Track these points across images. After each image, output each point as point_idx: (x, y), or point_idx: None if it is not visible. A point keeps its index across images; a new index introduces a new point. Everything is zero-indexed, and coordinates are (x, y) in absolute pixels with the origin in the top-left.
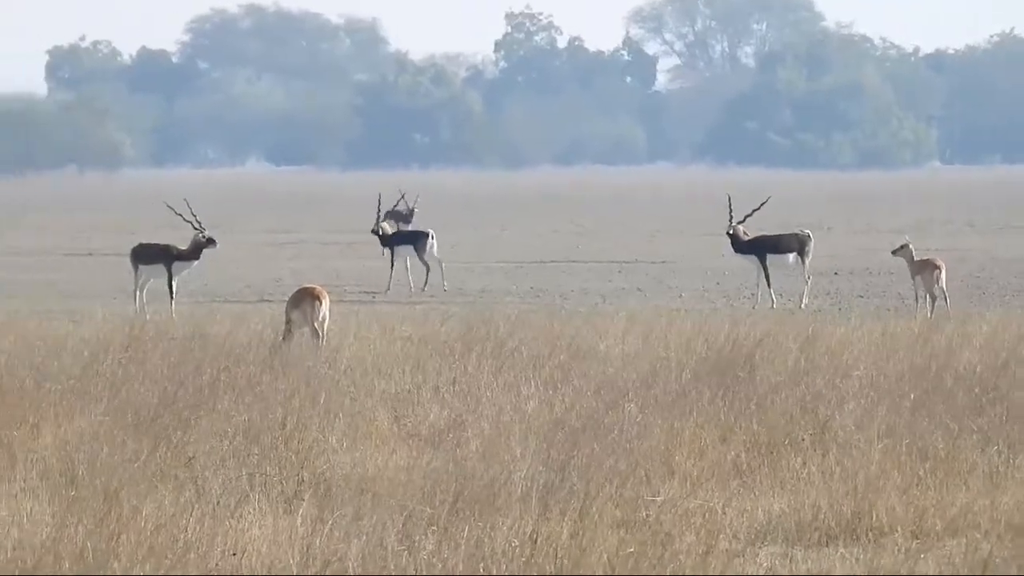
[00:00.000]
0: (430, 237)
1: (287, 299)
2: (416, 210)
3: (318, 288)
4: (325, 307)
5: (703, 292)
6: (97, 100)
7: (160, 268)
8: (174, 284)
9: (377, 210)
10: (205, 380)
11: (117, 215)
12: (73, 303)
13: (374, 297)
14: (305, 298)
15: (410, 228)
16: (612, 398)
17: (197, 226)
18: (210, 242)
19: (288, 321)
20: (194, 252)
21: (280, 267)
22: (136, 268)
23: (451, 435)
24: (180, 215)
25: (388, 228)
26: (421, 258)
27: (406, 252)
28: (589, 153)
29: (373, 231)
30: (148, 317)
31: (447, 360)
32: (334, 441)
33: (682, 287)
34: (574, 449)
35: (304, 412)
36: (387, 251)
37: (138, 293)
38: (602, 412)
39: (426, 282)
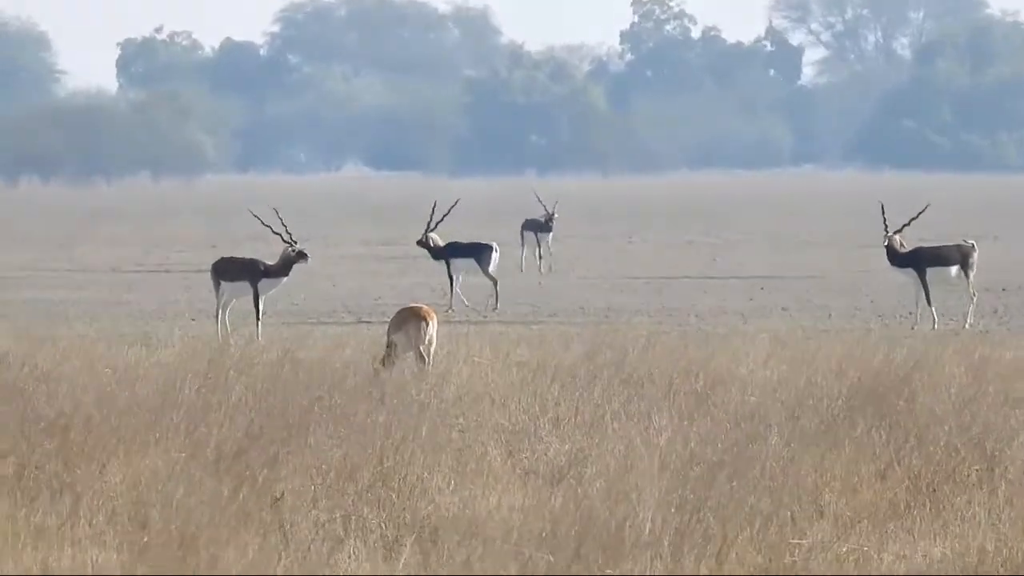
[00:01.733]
0: (494, 250)
1: (389, 320)
2: (556, 216)
3: (424, 308)
4: (432, 329)
5: (855, 311)
6: (176, 98)
7: (245, 285)
8: (261, 303)
9: (429, 218)
10: (295, 411)
11: (197, 226)
12: (147, 325)
13: (485, 317)
14: (410, 319)
15: (548, 235)
16: (754, 430)
17: (287, 238)
18: (301, 256)
19: (389, 345)
20: (283, 268)
21: (381, 284)
22: (218, 285)
23: (573, 472)
24: (268, 226)
25: (438, 239)
26: (486, 273)
27: (464, 267)
28: (727, 156)
29: (420, 242)
30: (232, 341)
31: (569, 388)
32: (440, 480)
33: (832, 305)
34: (710, 487)
35: (406, 447)
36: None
37: (220, 313)
38: (742, 445)
39: (497, 300)
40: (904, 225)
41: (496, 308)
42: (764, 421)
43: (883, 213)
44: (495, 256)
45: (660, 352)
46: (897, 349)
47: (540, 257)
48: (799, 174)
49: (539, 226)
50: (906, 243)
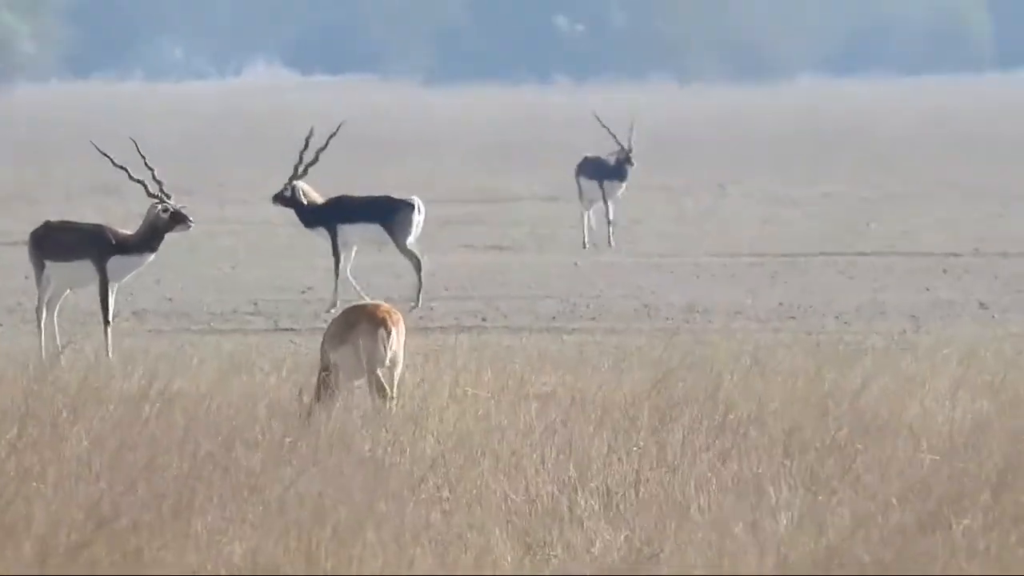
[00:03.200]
0: (415, 210)
1: (326, 327)
2: (634, 154)
3: (383, 307)
4: (397, 339)
5: None
6: None
7: (86, 267)
8: (111, 297)
9: (299, 155)
10: (169, 479)
11: (4, 169)
12: None
13: (483, 320)
14: (360, 325)
15: (620, 185)
16: (932, 511)
17: (153, 190)
18: (177, 220)
19: (326, 367)
20: (148, 238)
21: (311, 267)
22: (40, 267)
23: None
24: (122, 167)
25: (312, 193)
26: (400, 247)
27: (364, 235)
28: (883, 56)
29: (277, 197)
30: (63, 359)
31: (625, 438)
32: None
33: None
34: None
35: (352, 538)
36: (324, 234)
37: (44, 313)
38: (912, 537)
39: (419, 293)
40: None
41: (417, 305)
42: (949, 495)
43: None
44: (416, 219)
45: (775, 378)
46: None
47: (610, 221)
48: (1005, 84)
49: (607, 170)
50: None
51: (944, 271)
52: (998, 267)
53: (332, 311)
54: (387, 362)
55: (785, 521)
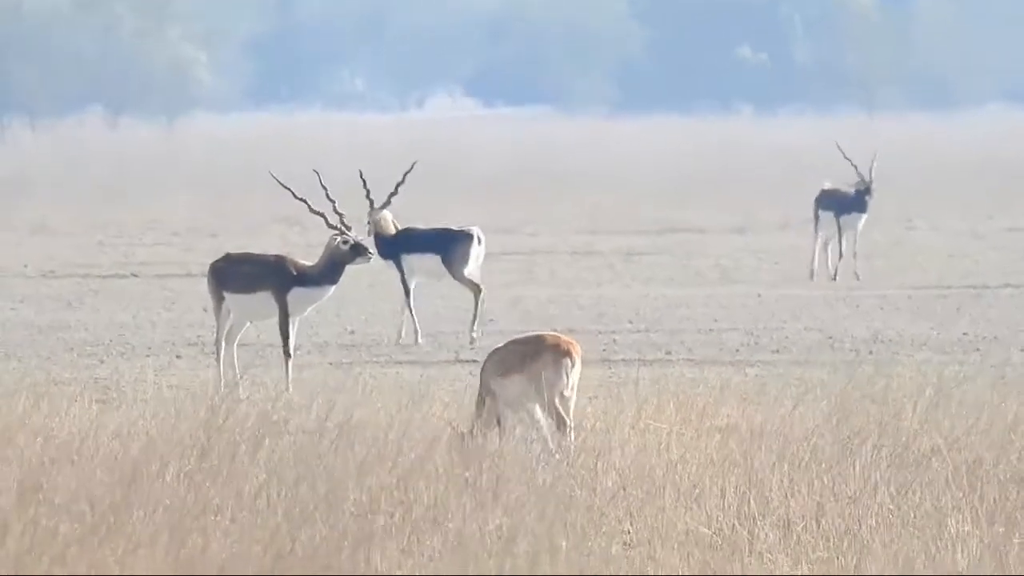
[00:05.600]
0: (473, 240)
1: (490, 358)
2: (874, 186)
3: (562, 338)
4: (573, 372)
5: None
6: None
7: (267, 299)
8: (293, 330)
9: (366, 193)
10: (348, 512)
11: (181, 198)
12: (102, 366)
13: (667, 353)
14: (541, 355)
15: (861, 217)
16: None
17: (335, 221)
18: (358, 252)
19: (487, 397)
20: (329, 271)
21: (503, 296)
22: (219, 299)
23: None
24: (302, 200)
25: (389, 220)
26: (455, 275)
27: (424, 265)
28: None
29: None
30: (240, 388)
31: (806, 469)
32: None
33: None
34: None
35: (534, 570)
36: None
37: (223, 345)
38: None
39: (474, 322)
40: None
41: (473, 338)
42: None
43: None
44: (475, 250)
45: (958, 410)
46: None
47: (842, 253)
48: None
49: (846, 203)
50: None
51: None
52: None
53: (472, 340)
54: (563, 392)
55: (965, 554)
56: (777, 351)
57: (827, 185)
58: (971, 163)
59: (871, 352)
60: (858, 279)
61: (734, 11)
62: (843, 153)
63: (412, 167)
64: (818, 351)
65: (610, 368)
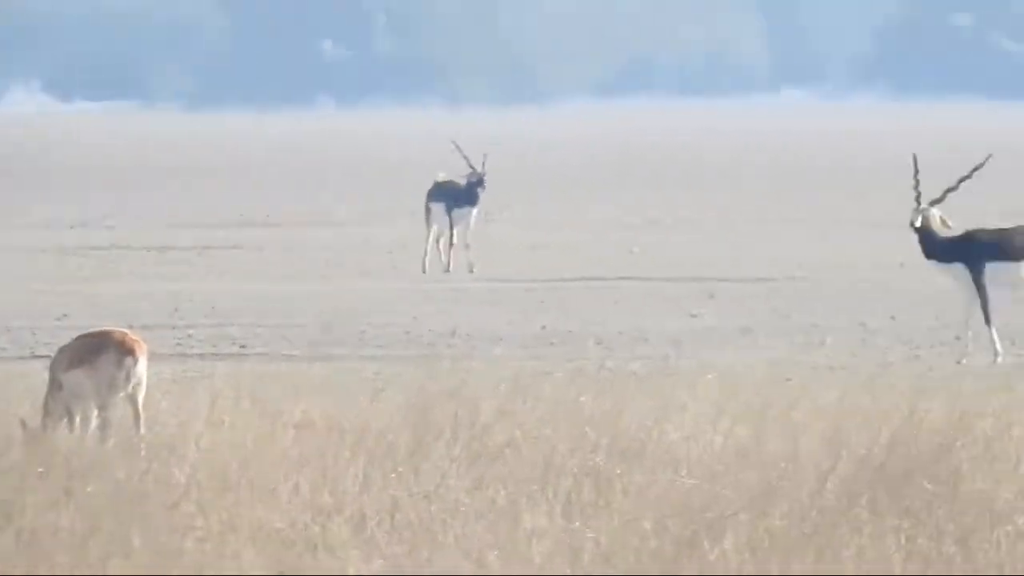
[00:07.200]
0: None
1: (57, 352)
2: (485, 177)
3: (125, 334)
4: (137, 367)
5: (865, 334)
6: None
7: None
8: None
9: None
10: None
11: None
12: None
13: (242, 347)
14: (96, 349)
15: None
16: (692, 533)
17: None
18: None
19: (55, 391)
20: None
21: (69, 293)
22: None
23: None
24: None
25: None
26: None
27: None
28: (660, 77)
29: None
30: None
31: (382, 465)
32: None
33: (825, 325)
34: None
35: (105, 568)
36: None
37: None
38: (670, 560)
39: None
40: (949, 190)
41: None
42: (709, 519)
43: (915, 169)
44: None
45: (536, 404)
46: (931, 398)
47: (452, 243)
48: (779, 104)
49: (458, 195)
50: (952, 222)
51: (710, 296)
52: (761, 292)
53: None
54: (130, 387)
55: (542, 548)
56: (354, 345)
57: (440, 177)
58: (553, 156)
59: (449, 346)
60: (471, 272)
61: (315, 3)
62: (456, 146)
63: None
64: (395, 345)
65: (185, 362)
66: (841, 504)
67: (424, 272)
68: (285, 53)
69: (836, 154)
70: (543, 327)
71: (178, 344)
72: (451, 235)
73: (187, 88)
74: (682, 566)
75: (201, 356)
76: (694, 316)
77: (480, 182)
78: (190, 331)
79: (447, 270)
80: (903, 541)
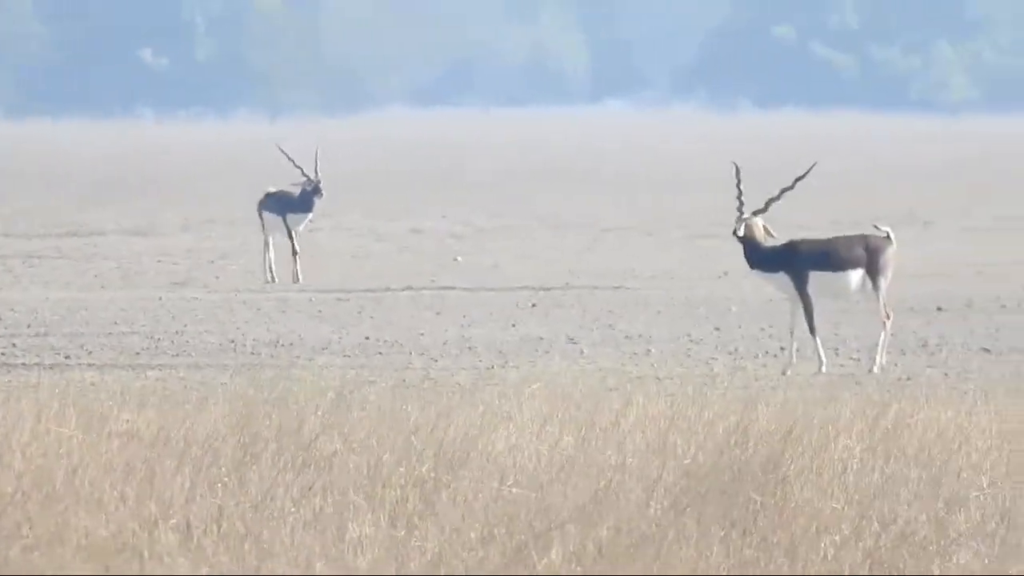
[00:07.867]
0: None
1: None
2: (321, 184)
3: None
4: None
5: (690, 344)
6: None
7: None
8: None
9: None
10: None
11: None
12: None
13: (67, 357)
14: None
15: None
16: (518, 544)
17: None
18: None
19: None
20: None
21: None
22: None
23: None
24: None
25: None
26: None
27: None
28: (481, 86)
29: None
30: None
31: (207, 474)
32: None
33: (651, 335)
34: None
35: None
36: None
37: None
38: (496, 571)
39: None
40: (772, 200)
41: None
42: (536, 530)
43: (737, 179)
44: None
45: (360, 415)
46: (758, 409)
47: (296, 252)
48: (600, 114)
49: (291, 203)
50: (776, 231)
51: (533, 305)
52: (587, 301)
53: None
54: None
55: (366, 558)
56: (178, 354)
57: (271, 189)
58: (374, 164)
59: (272, 356)
60: (297, 280)
61: (136, 12)
62: (286, 155)
63: None
64: (219, 354)
65: (9, 373)
66: (668, 515)
67: (274, 281)
68: (106, 62)
69: (657, 164)
70: (367, 337)
71: (2, 354)
72: (293, 244)
73: (8, 98)
74: None
75: (25, 366)
76: (515, 325)
77: (316, 190)
78: (14, 340)
79: (296, 280)
80: (731, 551)
